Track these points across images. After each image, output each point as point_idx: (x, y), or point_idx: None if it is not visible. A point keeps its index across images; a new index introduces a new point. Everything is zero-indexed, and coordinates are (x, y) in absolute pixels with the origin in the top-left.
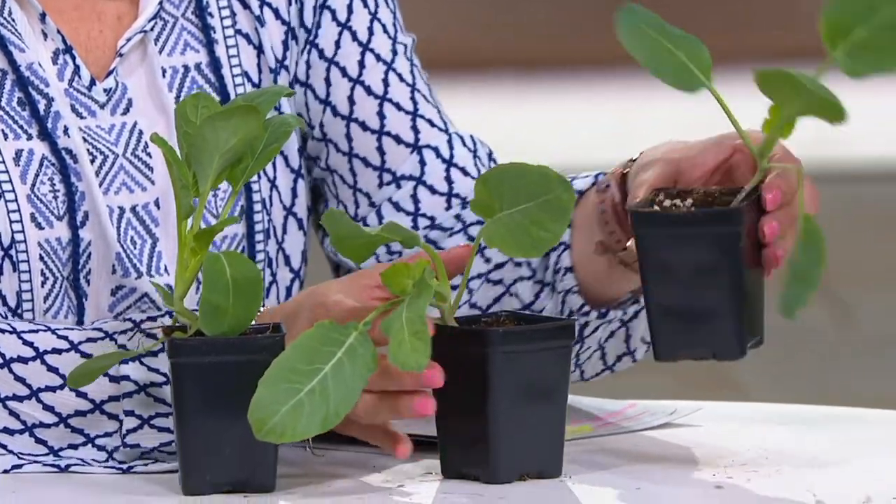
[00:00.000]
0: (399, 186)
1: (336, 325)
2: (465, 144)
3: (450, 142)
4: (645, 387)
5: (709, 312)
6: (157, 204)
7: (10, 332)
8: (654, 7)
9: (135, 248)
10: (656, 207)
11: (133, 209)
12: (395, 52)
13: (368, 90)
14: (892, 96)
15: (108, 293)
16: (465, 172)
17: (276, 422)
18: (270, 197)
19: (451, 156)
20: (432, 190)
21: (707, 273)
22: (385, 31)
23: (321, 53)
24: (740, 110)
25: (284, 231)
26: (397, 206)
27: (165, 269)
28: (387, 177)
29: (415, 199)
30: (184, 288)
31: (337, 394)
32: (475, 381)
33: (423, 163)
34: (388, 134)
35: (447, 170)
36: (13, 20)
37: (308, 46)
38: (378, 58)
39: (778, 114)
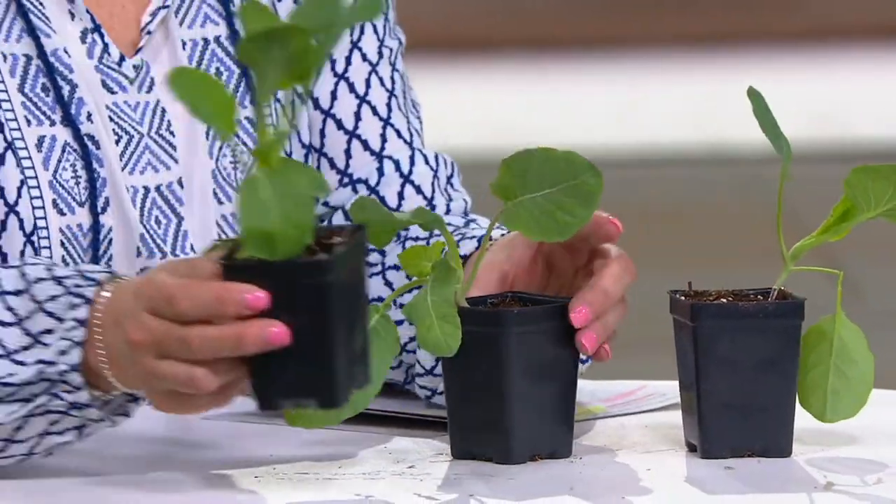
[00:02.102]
0: (355, 191)
1: None
2: (427, 162)
3: (412, 157)
4: (656, 368)
5: (764, 406)
6: (180, 183)
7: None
8: None
9: (159, 227)
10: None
11: (157, 189)
12: (380, 55)
13: (351, 87)
14: (895, 77)
15: (132, 276)
16: (419, 190)
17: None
18: None
19: (410, 171)
20: (383, 202)
21: (767, 366)
22: (375, 31)
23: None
24: (739, 91)
25: None
26: (346, 215)
27: (192, 248)
28: (345, 179)
29: None
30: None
31: None
32: (488, 362)
33: (381, 172)
34: (359, 137)
35: (402, 185)
36: (41, 4)
37: None
38: (364, 57)
39: (851, 214)
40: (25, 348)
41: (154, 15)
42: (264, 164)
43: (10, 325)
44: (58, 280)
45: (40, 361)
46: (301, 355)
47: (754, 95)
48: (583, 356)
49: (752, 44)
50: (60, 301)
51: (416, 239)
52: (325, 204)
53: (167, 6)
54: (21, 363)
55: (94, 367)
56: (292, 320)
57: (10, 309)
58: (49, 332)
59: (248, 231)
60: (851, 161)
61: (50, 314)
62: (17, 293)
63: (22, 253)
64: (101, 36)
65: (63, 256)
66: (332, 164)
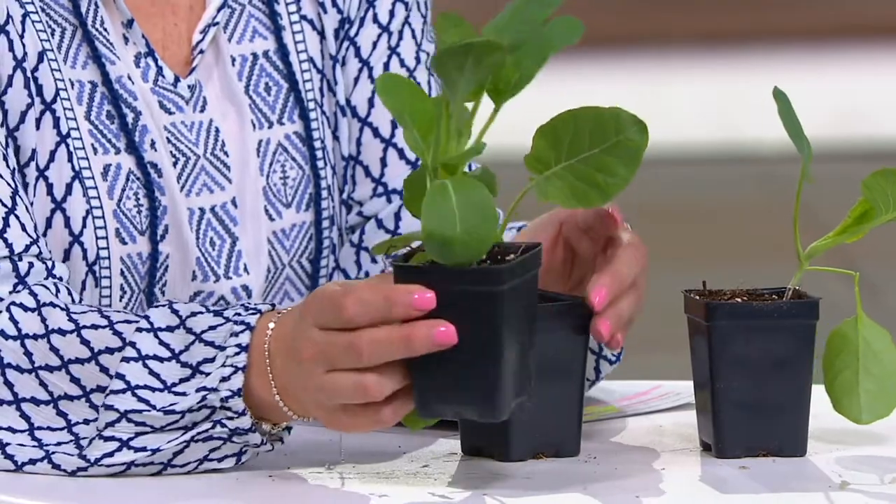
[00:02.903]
0: (390, 201)
1: None
2: None
3: None
4: (671, 368)
5: (779, 406)
6: (233, 203)
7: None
8: None
9: (213, 249)
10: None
11: (212, 209)
12: (417, 60)
13: None
14: None
15: (185, 301)
16: None
17: None
18: (333, 184)
19: None
20: None
21: (781, 366)
22: (413, 35)
23: (357, 51)
24: (759, 88)
25: (341, 216)
26: (380, 224)
27: (245, 269)
28: (380, 189)
29: (397, 217)
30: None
31: None
32: None
33: None
34: (395, 146)
35: None
36: (105, 30)
37: (347, 42)
38: (402, 63)
39: (868, 217)
40: (184, 380)
41: (205, 32)
42: (447, 175)
43: (165, 360)
44: (216, 313)
45: (202, 388)
46: (465, 364)
47: (779, 96)
48: (612, 355)
49: (772, 41)
50: (220, 330)
51: None
52: (360, 214)
53: (217, 23)
54: (182, 394)
55: (259, 397)
56: (460, 328)
57: (164, 344)
58: (209, 360)
59: (430, 234)
60: (873, 160)
61: (209, 343)
62: (170, 329)
63: (83, 283)
64: (155, 60)
65: (121, 284)
66: (367, 173)
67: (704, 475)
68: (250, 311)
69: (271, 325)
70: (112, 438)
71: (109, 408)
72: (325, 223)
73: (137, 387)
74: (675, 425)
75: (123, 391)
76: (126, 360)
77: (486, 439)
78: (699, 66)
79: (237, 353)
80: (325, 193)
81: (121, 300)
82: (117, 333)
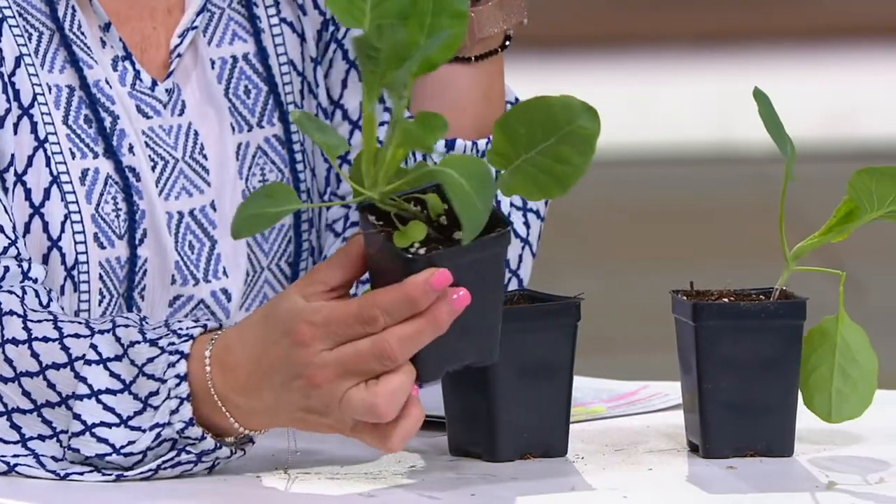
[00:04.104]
0: None
1: None
2: None
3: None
4: (658, 368)
5: (766, 406)
6: (213, 206)
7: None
8: None
9: (192, 253)
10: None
11: (191, 213)
12: None
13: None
14: None
15: (164, 305)
16: None
17: None
18: (312, 186)
19: None
20: None
21: (769, 366)
22: None
23: (345, 53)
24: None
25: (320, 219)
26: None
27: (224, 272)
28: None
29: None
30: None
31: None
32: None
33: None
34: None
35: None
36: (82, 34)
37: (335, 45)
38: None
39: (854, 215)
40: (138, 413)
41: (183, 36)
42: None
43: (119, 392)
44: (151, 342)
45: (155, 426)
46: (471, 321)
47: (760, 96)
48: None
49: (771, 41)
50: (158, 362)
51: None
52: (347, 206)
53: (195, 27)
54: (138, 429)
55: (216, 424)
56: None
57: (115, 376)
58: (154, 393)
59: (470, 222)
60: (873, 160)
61: (150, 376)
62: (118, 358)
63: (62, 288)
64: (132, 63)
65: (100, 289)
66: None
67: (692, 475)
68: (183, 339)
69: (207, 353)
70: (83, 463)
71: (75, 451)
72: (304, 226)
73: (94, 425)
74: (663, 425)
75: (83, 432)
76: (79, 397)
77: (474, 440)
78: (698, 65)
79: (178, 385)
80: (304, 196)
81: (100, 305)
82: (65, 349)
